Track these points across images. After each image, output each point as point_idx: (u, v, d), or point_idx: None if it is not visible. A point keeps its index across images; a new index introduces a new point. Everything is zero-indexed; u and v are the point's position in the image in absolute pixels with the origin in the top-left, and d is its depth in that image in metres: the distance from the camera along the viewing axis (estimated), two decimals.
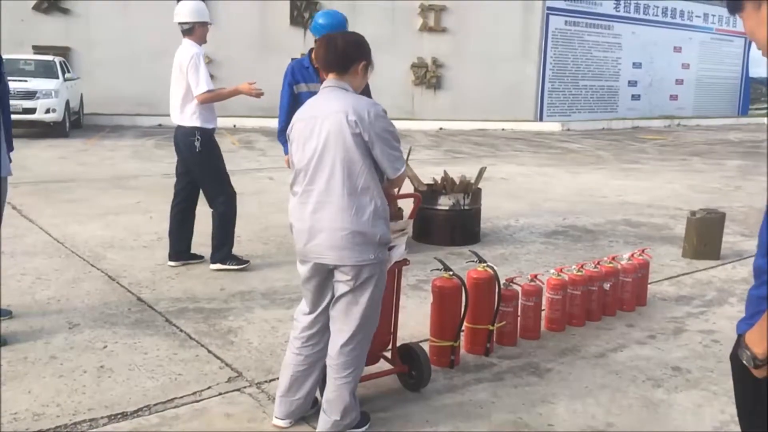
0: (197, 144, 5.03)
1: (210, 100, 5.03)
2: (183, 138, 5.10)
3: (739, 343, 1.58)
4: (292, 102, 4.77)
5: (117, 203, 7.63)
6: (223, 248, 5.23)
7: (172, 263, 5.31)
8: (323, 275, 2.75)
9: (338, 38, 2.76)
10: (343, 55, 2.70)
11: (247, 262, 5.31)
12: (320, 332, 2.87)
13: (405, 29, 19.85)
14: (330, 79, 2.73)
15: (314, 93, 5.11)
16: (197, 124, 5.05)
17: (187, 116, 5.05)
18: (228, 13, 18.01)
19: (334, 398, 2.76)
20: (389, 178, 2.70)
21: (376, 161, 2.65)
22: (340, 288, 2.71)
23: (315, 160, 2.64)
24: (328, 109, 2.64)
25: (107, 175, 9.60)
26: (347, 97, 2.66)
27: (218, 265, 5.20)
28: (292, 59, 5.71)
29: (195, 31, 5.07)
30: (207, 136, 5.09)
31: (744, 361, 1.56)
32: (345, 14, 4.87)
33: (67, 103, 14.20)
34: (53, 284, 4.78)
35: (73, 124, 15.12)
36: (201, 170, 5.16)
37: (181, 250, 5.34)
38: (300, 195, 2.71)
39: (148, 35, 17.42)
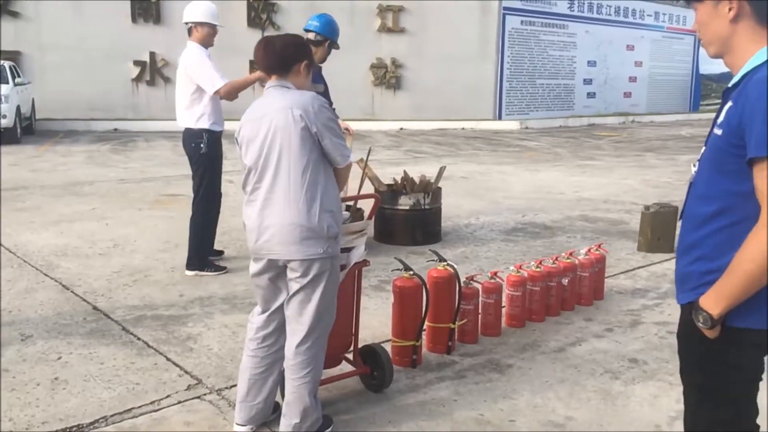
0: (203, 146, 5.03)
1: (233, 91, 4.98)
2: (189, 140, 5.09)
3: (693, 309, 1.75)
4: None
5: (71, 210, 7.45)
6: (198, 254, 5.20)
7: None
8: (276, 271, 2.75)
9: (276, 40, 2.77)
10: (282, 56, 2.72)
11: (225, 268, 5.27)
12: (275, 332, 2.85)
13: (364, 30, 19.84)
14: (273, 80, 2.75)
15: (322, 93, 5.28)
16: (205, 126, 5.04)
17: (194, 119, 5.02)
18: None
19: (293, 400, 2.74)
20: (338, 166, 2.72)
21: (323, 154, 2.67)
22: (293, 286, 2.70)
23: (263, 158, 2.66)
24: (273, 107, 2.66)
25: (61, 181, 9.36)
26: (290, 94, 2.69)
27: (195, 272, 5.16)
28: None
29: (193, 32, 5.06)
30: (214, 138, 5.09)
31: (700, 323, 1.72)
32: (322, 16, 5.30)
33: (18, 108, 13.80)
34: (5, 295, 4.64)
35: (25, 129, 14.71)
36: (197, 171, 5.15)
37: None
38: (250, 193, 2.73)
39: (101, 38, 17.06)
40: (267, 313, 2.84)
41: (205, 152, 5.07)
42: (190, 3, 5.14)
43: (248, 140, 2.71)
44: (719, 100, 1.86)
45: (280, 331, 2.84)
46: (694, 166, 1.87)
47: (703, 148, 1.84)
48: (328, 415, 2.95)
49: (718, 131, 1.71)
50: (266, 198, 2.66)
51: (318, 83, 5.27)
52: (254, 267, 2.78)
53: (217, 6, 5.22)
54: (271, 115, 2.64)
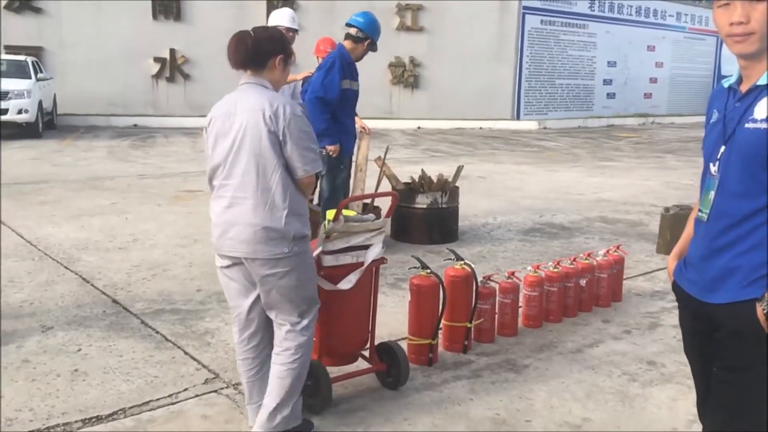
0: None
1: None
2: None
3: (763, 304, 1.70)
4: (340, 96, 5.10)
5: (92, 204, 7.54)
6: None
7: None
8: (242, 266, 2.69)
9: (248, 35, 2.66)
10: (255, 51, 2.64)
11: None
12: (259, 331, 2.81)
13: (382, 28, 19.81)
14: (248, 75, 2.70)
15: (356, 91, 5.35)
16: None
17: None
18: (202, 11, 17.88)
19: (275, 387, 2.70)
20: (296, 176, 2.63)
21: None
22: (264, 284, 2.67)
23: (232, 155, 2.62)
24: (246, 106, 2.61)
25: (82, 176, 9.47)
26: (264, 95, 2.63)
27: None
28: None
29: None
30: None
31: None
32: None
33: (40, 103, 13.97)
34: (26, 287, 4.70)
35: (47, 124, 14.89)
36: None
37: None
38: (218, 189, 2.70)
39: (121, 35, 17.21)
40: (244, 312, 2.79)
41: None
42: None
43: (218, 135, 2.66)
44: None
45: (264, 329, 2.82)
46: (714, 165, 1.84)
47: (722, 147, 1.80)
48: (310, 420, 2.91)
49: (765, 125, 1.69)
50: (234, 196, 2.63)
51: (355, 80, 5.31)
52: (221, 261, 2.75)
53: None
54: (244, 114, 2.60)
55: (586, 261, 4.48)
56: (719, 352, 1.86)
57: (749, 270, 1.74)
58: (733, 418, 1.84)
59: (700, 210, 1.89)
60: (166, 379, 3.36)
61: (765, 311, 1.69)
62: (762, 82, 1.74)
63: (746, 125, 1.74)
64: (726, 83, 1.89)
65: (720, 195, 1.81)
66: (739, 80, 1.84)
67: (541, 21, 21.62)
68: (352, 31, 5.25)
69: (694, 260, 1.90)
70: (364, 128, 5.75)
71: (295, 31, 5.41)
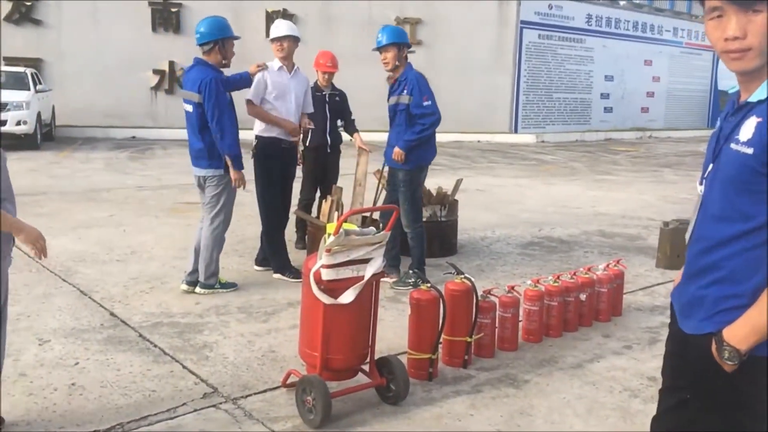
0: (253, 150, 5.35)
1: (256, 116, 5.33)
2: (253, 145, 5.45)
3: (716, 342, 1.60)
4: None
5: (89, 216, 7.51)
6: (274, 258, 5.40)
7: (258, 268, 5.58)
8: None
9: None
10: None
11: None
12: None
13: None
14: None
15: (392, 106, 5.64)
16: (256, 132, 5.40)
17: (254, 125, 5.43)
18: None
19: None
20: None
21: None
22: None
23: None
24: None
25: (79, 188, 9.45)
26: None
27: (278, 275, 5.32)
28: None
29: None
30: (263, 143, 5.34)
31: (725, 358, 1.58)
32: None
33: (39, 115, 13.97)
34: (23, 299, 4.67)
35: (45, 136, 14.88)
36: (255, 174, 5.36)
37: (266, 256, 5.57)
38: None
39: (120, 47, 17.25)
40: None
41: (255, 155, 5.36)
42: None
43: None
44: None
45: None
46: (701, 184, 1.74)
47: (711, 165, 1.69)
48: None
49: (745, 149, 1.55)
50: None
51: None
52: None
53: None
54: None
55: (586, 275, 4.47)
56: (687, 373, 1.79)
57: (712, 302, 1.64)
58: None
59: (688, 231, 1.80)
60: (164, 394, 3.33)
61: (722, 353, 1.59)
62: (753, 99, 1.60)
63: (731, 145, 1.61)
64: (731, 89, 1.79)
65: (701, 217, 1.71)
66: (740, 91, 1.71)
67: (539, 35, 21.74)
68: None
69: (680, 282, 1.83)
70: (363, 147, 5.96)
71: (296, 39, 5.44)
